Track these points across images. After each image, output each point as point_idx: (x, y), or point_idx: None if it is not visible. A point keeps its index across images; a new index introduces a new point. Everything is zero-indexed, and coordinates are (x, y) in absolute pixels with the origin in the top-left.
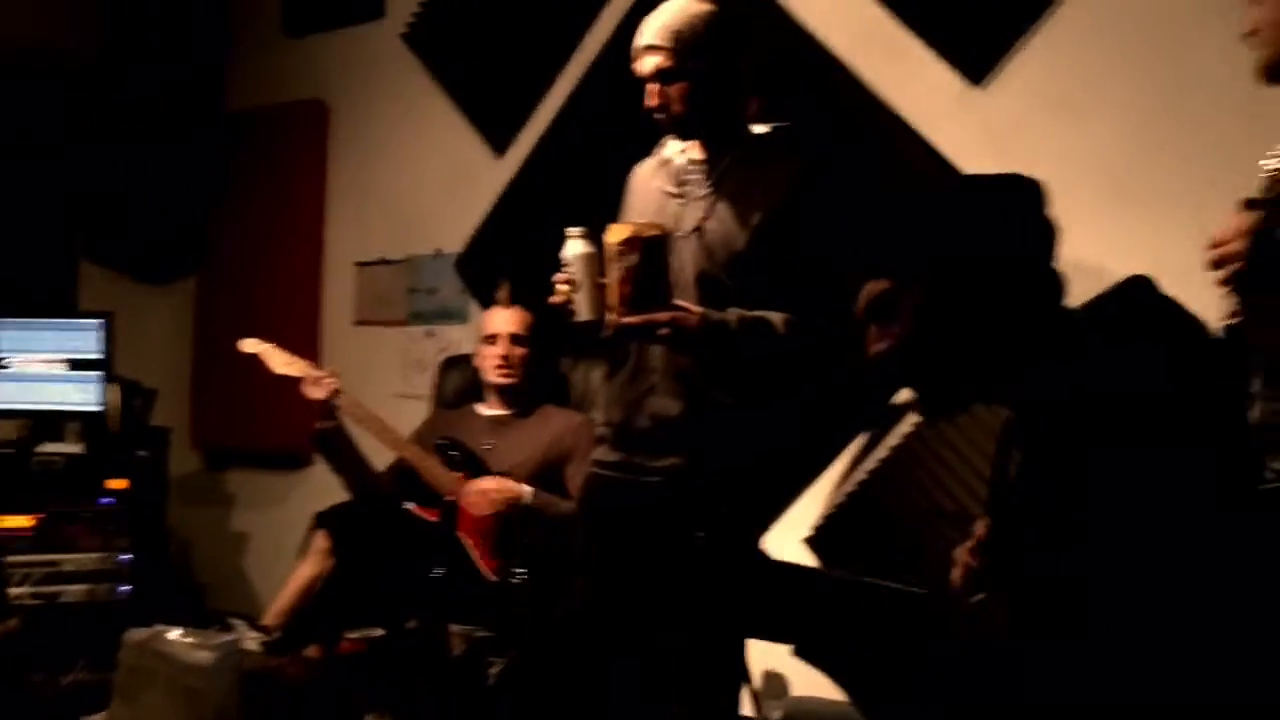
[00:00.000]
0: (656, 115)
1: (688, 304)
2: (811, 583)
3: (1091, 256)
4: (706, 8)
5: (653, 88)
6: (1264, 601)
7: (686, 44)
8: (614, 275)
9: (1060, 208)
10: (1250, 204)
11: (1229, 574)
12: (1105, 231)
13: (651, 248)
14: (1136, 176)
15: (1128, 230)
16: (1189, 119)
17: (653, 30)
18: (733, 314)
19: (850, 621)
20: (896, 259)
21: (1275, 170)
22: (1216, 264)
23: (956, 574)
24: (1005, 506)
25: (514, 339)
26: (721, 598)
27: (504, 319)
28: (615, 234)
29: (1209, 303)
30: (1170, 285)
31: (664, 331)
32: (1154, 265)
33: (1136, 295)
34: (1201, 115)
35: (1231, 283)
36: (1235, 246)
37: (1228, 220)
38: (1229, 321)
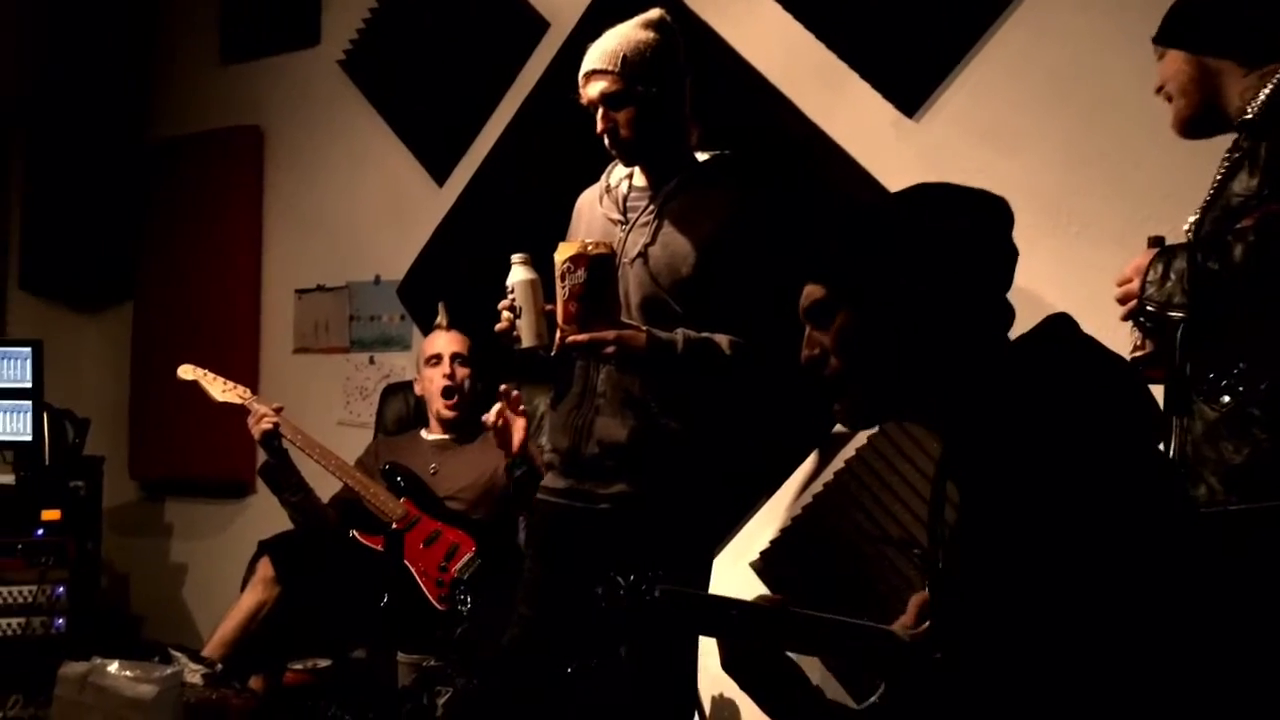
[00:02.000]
0: (607, 140)
1: (635, 323)
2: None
3: (1023, 282)
4: (650, 34)
5: (600, 113)
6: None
7: (633, 68)
8: (561, 292)
9: None
10: (1153, 242)
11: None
12: (1038, 258)
13: (598, 265)
14: (1068, 204)
15: (1059, 256)
16: (1116, 147)
17: (598, 55)
18: (679, 334)
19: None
20: (836, 268)
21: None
22: (1122, 300)
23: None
24: (944, 545)
25: (458, 359)
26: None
27: (446, 340)
28: (563, 251)
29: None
30: (1102, 311)
31: (610, 350)
32: (1086, 291)
33: (1058, 334)
34: (1128, 143)
35: (1133, 318)
36: (1135, 285)
37: (1132, 259)
38: (1134, 354)
